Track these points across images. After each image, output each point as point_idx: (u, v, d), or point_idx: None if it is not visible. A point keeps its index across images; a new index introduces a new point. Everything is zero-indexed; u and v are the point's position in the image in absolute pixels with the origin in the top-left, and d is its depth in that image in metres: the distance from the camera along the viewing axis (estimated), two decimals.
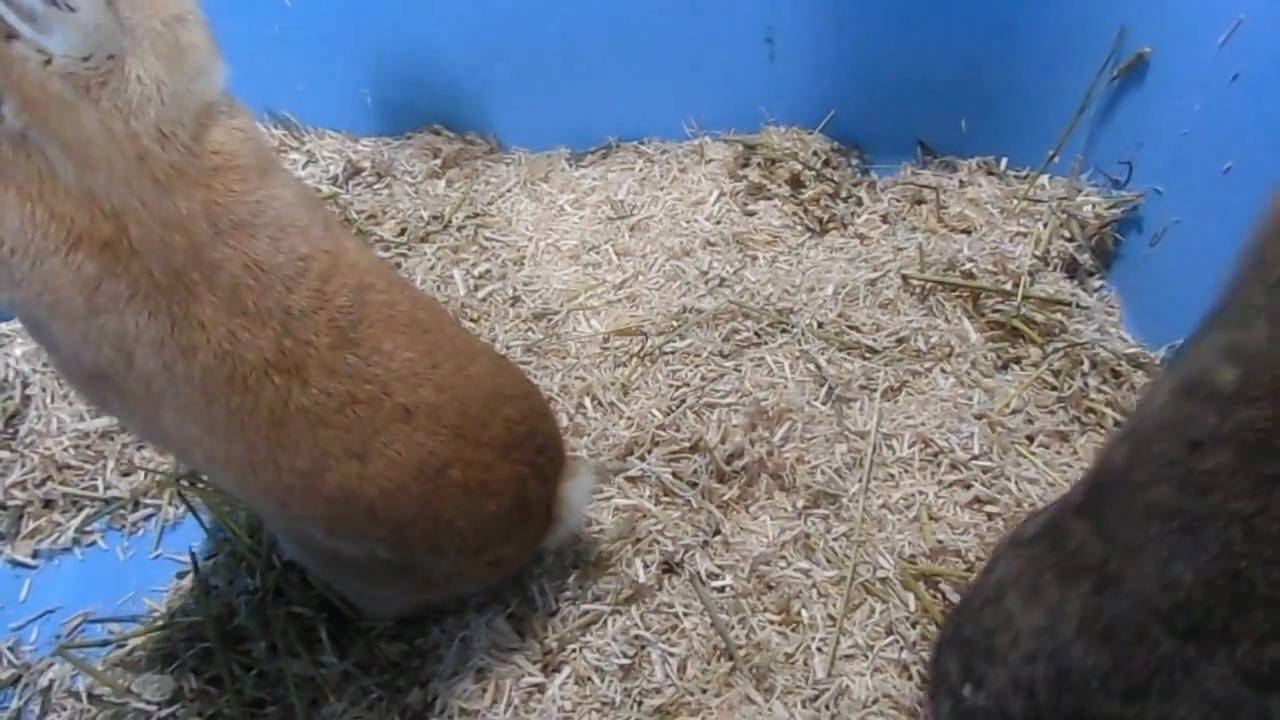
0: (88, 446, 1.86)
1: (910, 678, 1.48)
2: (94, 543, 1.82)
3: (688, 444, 1.73)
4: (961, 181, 2.27)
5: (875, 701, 1.45)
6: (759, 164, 2.28)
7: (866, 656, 1.51)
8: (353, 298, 1.18)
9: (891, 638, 1.52)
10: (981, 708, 1.11)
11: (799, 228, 2.21)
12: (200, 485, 1.79)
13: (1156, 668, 1.03)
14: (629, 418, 1.79)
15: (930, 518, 1.65)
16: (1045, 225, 2.07)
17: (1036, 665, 1.08)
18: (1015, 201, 2.17)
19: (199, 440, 1.16)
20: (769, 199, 2.24)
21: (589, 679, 1.49)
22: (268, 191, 1.14)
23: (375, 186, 2.33)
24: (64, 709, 1.55)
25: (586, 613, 1.55)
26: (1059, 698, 1.06)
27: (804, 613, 1.55)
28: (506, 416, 1.33)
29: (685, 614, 1.56)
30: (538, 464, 1.38)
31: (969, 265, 2.00)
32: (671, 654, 1.51)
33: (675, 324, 1.96)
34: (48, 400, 1.90)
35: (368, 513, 1.22)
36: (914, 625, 1.52)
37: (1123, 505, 1.11)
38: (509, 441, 1.33)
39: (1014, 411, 1.80)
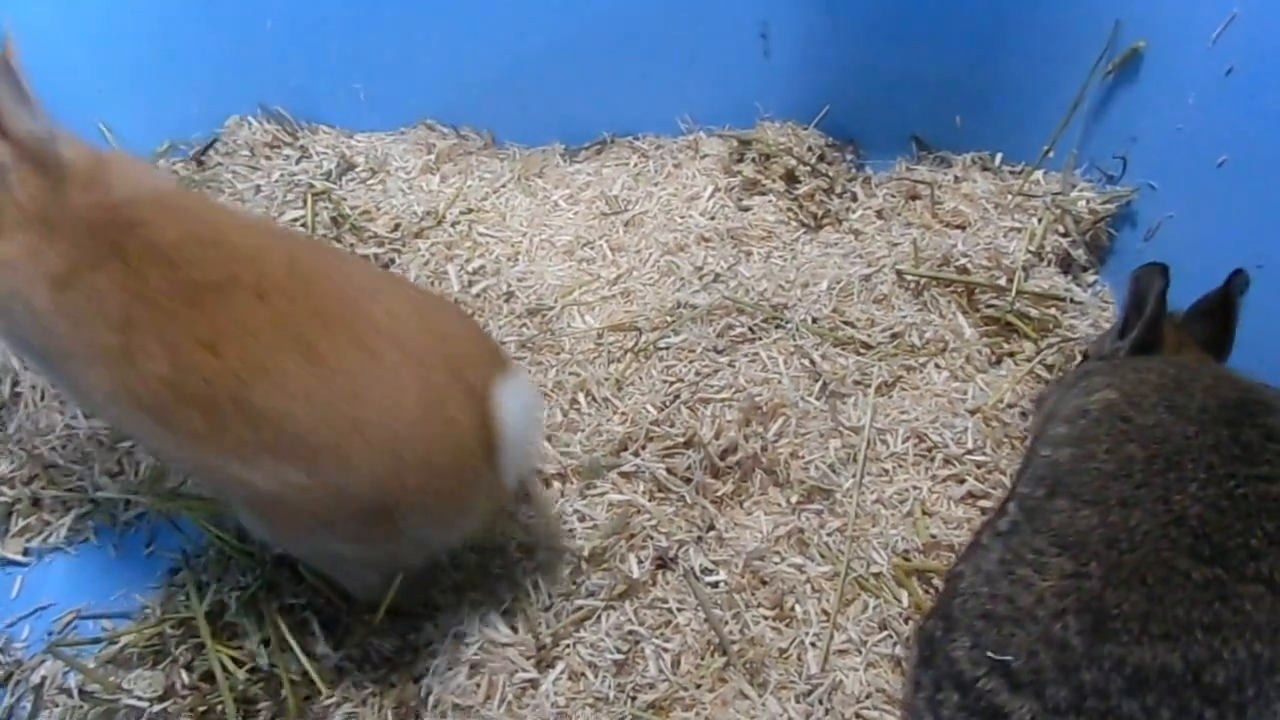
0: (75, 448, 1.85)
1: (903, 673, 1.48)
2: (86, 539, 1.81)
3: (682, 439, 1.72)
4: (956, 177, 2.27)
5: (868, 696, 1.45)
6: (754, 159, 2.28)
7: (860, 651, 1.51)
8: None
9: (885, 633, 1.52)
10: (1013, 674, 1.10)
11: (793, 223, 2.21)
12: (184, 498, 1.78)
13: (1193, 599, 1.04)
14: (623, 413, 1.79)
15: (924, 513, 1.65)
16: (1040, 220, 2.08)
17: (1067, 618, 1.08)
18: (1010, 197, 2.17)
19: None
20: (764, 194, 2.24)
21: (583, 674, 1.49)
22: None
23: (369, 182, 2.32)
24: (56, 706, 1.54)
25: (580, 608, 1.54)
26: (1095, 647, 1.05)
27: (798, 608, 1.55)
28: (390, 308, 1.29)
29: (679, 609, 1.56)
30: (445, 357, 1.30)
31: (963, 260, 2.00)
32: (665, 649, 1.51)
33: (670, 319, 1.95)
34: (36, 398, 1.89)
35: (237, 411, 1.21)
36: (907, 621, 1.52)
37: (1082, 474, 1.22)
38: (396, 331, 1.28)
39: (1008, 406, 1.80)
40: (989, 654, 1.10)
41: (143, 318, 1.23)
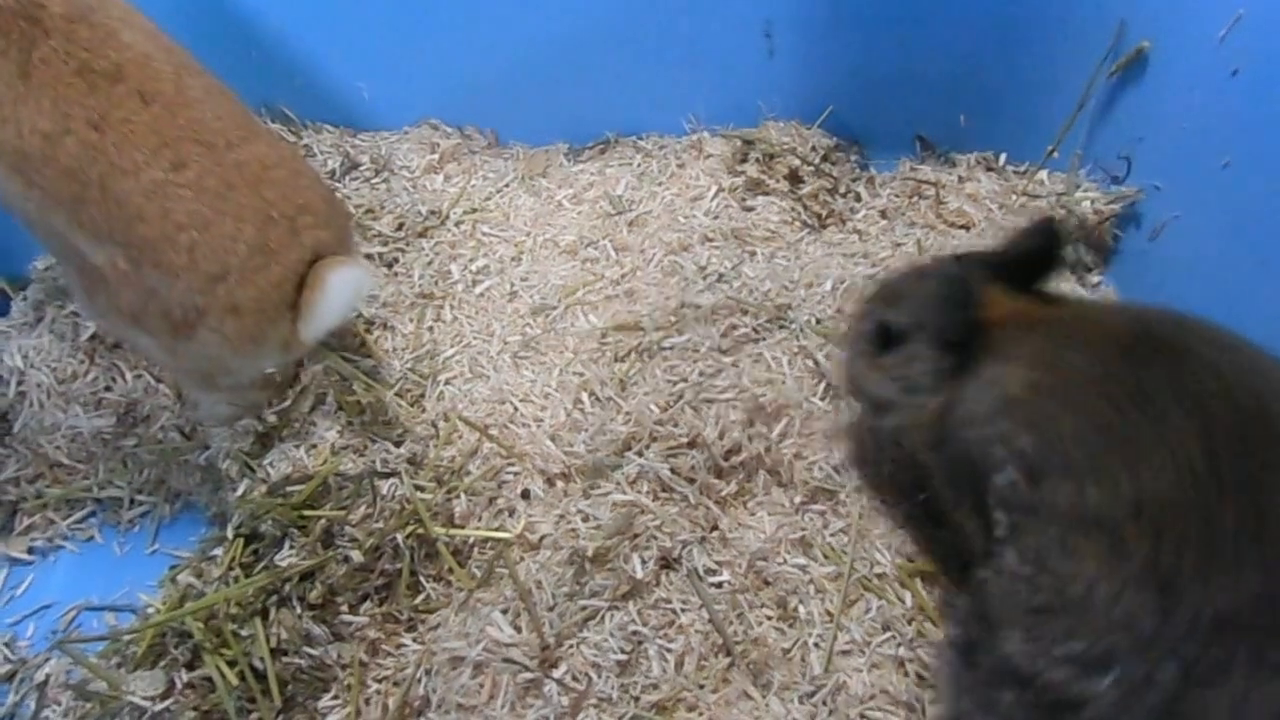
0: (80, 446, 1.86)
1: (906, 674, 1.48)
2: (90, 538, 1.82)
3: (685, 440, 1.72)
4: (960, 177, 2.26)
5: (872, 697, 1.45)
6: (757, 159, 2.27)
7: (864, 652, 1.51)
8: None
9: (889, 634, 1.52)
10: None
11: (797, 223, 2.20)
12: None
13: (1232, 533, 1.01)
14: (627, 413, 1.78)
15: None
16: None
17: (1128, 595, 1.03)
18: (1014, 197, 2.16)
19: None
20: (767, 194, 2.24)
21: (586, 675, 1.49)
22: None
23: (373, 181, 2.32)
24: (59, 705, 1.54)
25: (584, 608, 1.54)
26: (1168, 614, 1.01)
27: (801, 609, 1.55)
28: (261, 155, 1.51)
29: (683, 610, 1.56)
30: (291, 216, 1.52)
31: None
32: (669, 650, 1.51)
33: (673, 319, 1.95)
34: (42, 397, 1.89)
35: (101, 192, 1.40)
36: (910, 622, 1.52)
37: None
38: (259, 175, 1.50)
39: None
40: (1056, 648, 1.06)
41: (40, 76, 1.41)
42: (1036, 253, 1.36)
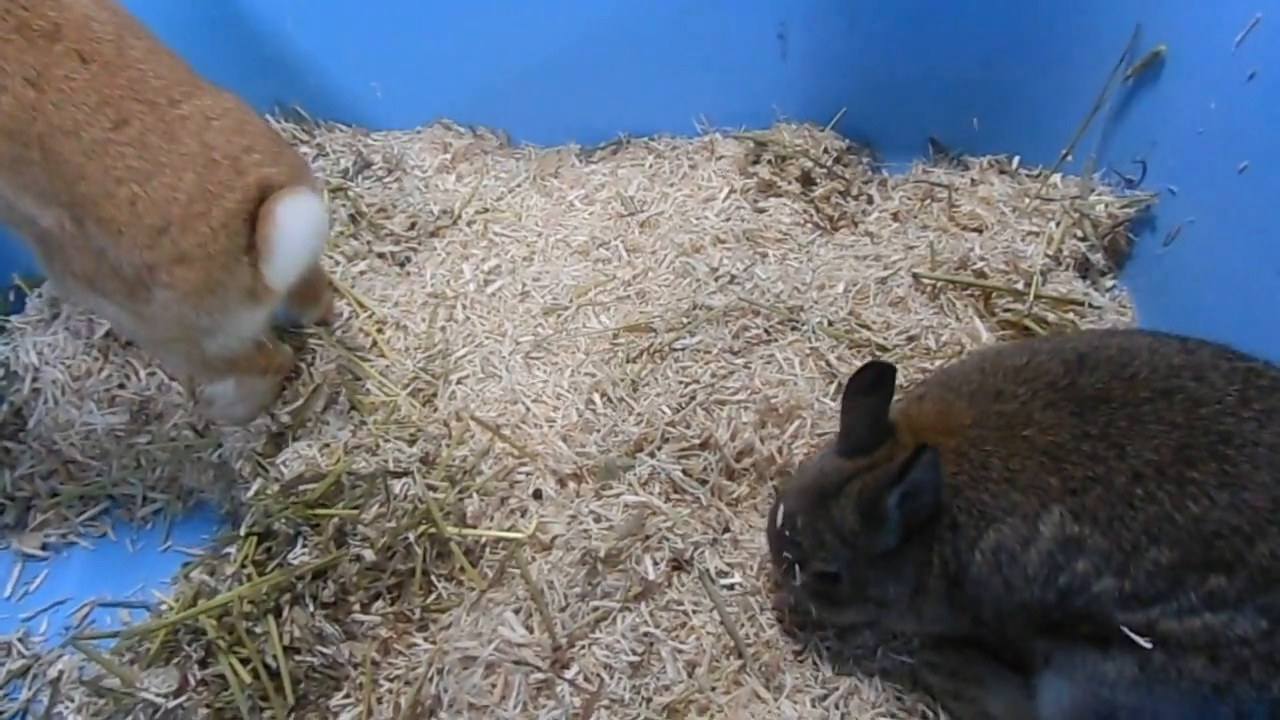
0: (95, 444, 1.86)
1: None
2: (104, 535, 1.82)
3: (698, 441, 1.72)
4: (973, 180, 2.25)
5: (885, 702, 1.45)
6: (770, 161, 2.27)
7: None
8: None
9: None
10: None
11: (809, 225, 2.20)
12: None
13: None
14: (639, 414, 1.78)
15: None
16: (1058, 224, 2.06)
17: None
18: (1027, 200, 2.16)
19: None
20: (780, 196, 2.23)
21: (598, 676, 1.49)
22: None
23: (385, 180, 2.32)
24: (72, 700, 1.55)
25: (596, 609, 1.54)
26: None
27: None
28: (204, 107, 1.52)
29: (695, 611, 1.56)
30: (235, 156, 1.52)
31: (980, 264, 1.99)
32: (681, 651, 1.51)
33: (685, 320, 1.95)
34: (57, 394, 1.90)
35: (41, 153, 1.42)
36: None
37: None
38: (201, 126, 1.50)
39: None
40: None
41: None
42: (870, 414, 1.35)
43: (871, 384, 1.32)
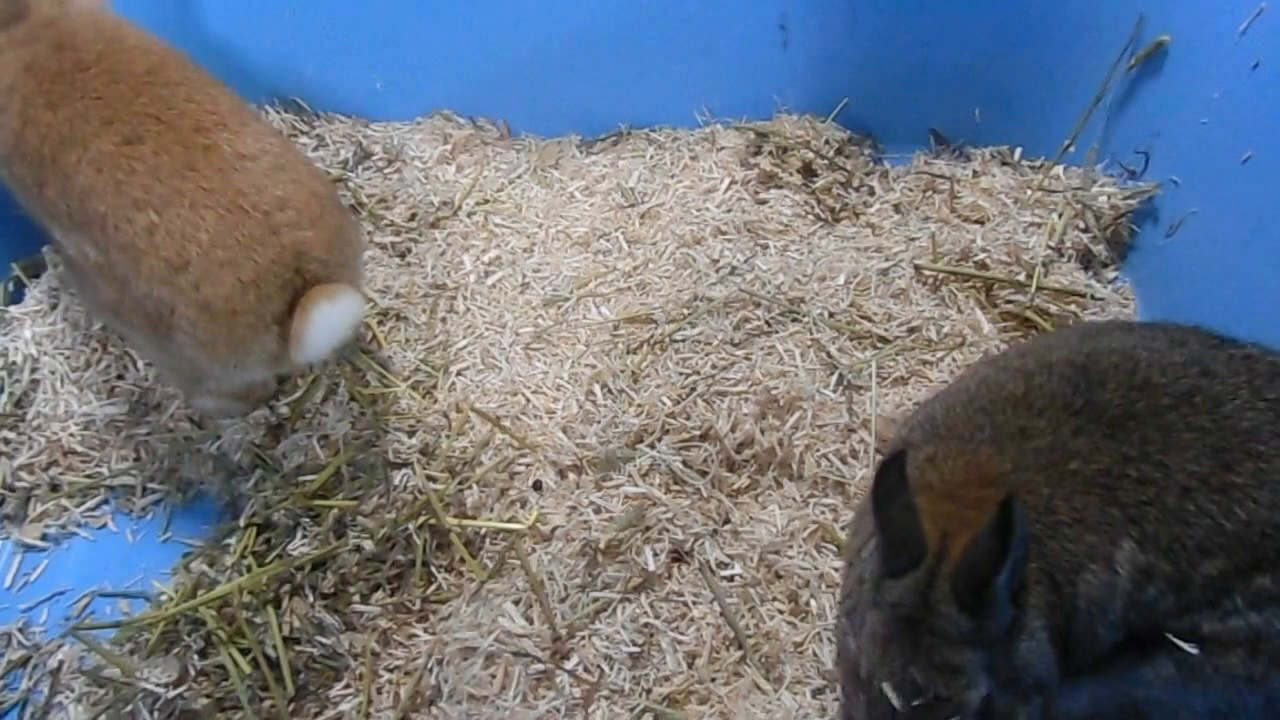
0: (94, 434, 1.86)
1: None
2: (104, 525, 1.82)
3: (698, 432, 1.72)
4: (975, 171, 2.25)
5: None
6: (771, 152, 2.26)
7: None
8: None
9: None
10: None
11: (810, 216, 2.19)
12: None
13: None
14: (639, 405, 1.78)
15: None
16: (1060, 216, 2.06)
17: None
18: (1029, 192, 2.15)
19: None
20: (781, 187, 2.23)
21: (598, 666, 1.49)
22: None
23: (385, 171, 2.31)
24: (72, 690, 1.55)
25: (596, 600, 1.54)
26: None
27: (813, 602, 1.55)
28: (235, 144, 1.45)
29: (694, 602, 1.56)
30: (266, 211, 1.43)
31: (982, 255, 1.98)
32: (680, 642, 1.51)
33: (686, 312, 1.94)
34: (56, 384, 1.90)
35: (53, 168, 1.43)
36: None
37: None
38: (225, 163, 1.43)
39: None
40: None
41: (20, 85, 1.48)
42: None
43: (898, 482, 1.12)
